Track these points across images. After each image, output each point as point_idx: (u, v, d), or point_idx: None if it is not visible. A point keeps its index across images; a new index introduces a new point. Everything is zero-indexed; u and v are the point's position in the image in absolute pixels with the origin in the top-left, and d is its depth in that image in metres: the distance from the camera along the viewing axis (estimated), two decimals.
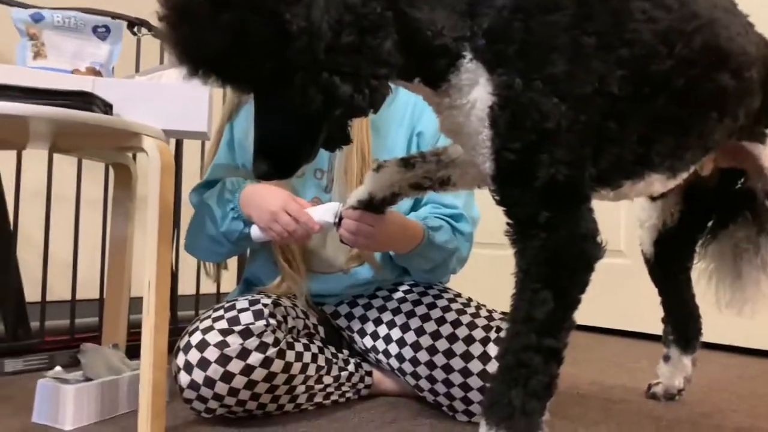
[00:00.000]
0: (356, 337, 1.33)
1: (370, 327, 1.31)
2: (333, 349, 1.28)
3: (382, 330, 1.28)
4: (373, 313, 1.32)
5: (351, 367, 1.28)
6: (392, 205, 1.10)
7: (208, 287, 1.83)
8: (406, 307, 1.28)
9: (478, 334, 1.18)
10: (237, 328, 1.08)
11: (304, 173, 1.31)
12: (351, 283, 1.32)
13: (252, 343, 1.07)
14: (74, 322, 1.66)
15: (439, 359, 1.17)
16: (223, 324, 1.08)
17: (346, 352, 1.32)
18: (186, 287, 1.86)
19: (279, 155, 0.81)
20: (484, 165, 0.84)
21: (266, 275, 1.33)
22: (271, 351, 1.09)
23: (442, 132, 0.93)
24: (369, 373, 1.31)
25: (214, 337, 1.06)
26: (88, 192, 1.73)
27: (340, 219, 1.10)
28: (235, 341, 1.06)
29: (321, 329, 1.32)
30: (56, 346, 1.60)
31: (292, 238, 1.14)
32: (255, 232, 1.17)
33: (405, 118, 1.36)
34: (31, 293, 1.64)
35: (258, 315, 1.11)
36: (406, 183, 1.05)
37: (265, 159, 0.80)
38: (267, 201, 1.14)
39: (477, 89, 0.81)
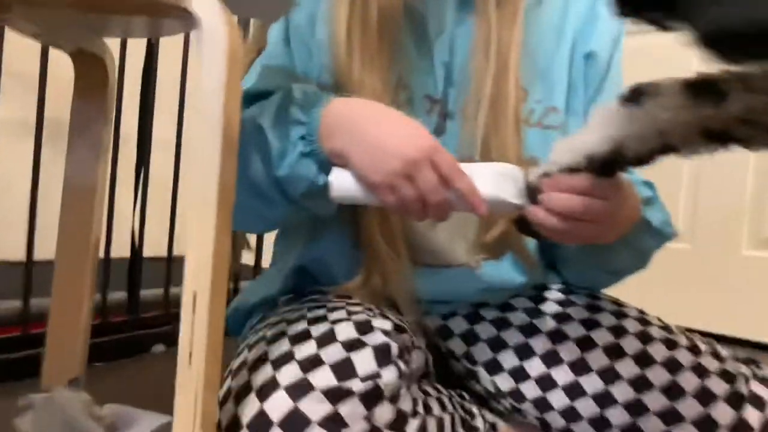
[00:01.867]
0: (481, 372, 0.83)
1: (509, 358, 0.81)
2: (451, 394, 0.79)
3: (535, 366, 0.79)
4: (512, 336, 0.82)
5: (478, 423, 0.79)
6: (638, 167, 0.61)
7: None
8: (574, 329, 0.79)
9: (689, 380, 0.72)
10: (355, 386, 0.56)
11: (411, 96, 0.80)
12: (476, 286, 0.83)
13: (384, 414, 0.56)
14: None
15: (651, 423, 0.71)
16: (325, 377, 0.56)
17: (460, 393, 0.84)
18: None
19: None
20: None
21: (338, 264, 0.81)
22: (413, 426, 0.58)
23: None
24: (493, 427, 0.83)
25: (314, 406, 0.54)
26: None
27: (534, 195, 0.61)
28: (354, 415, 0.55)
29: (429, 358, 0.82)
30: None
31: (422, 212, 0.64)
32: (345, 183, 0.64)
33: (564, 30, 0.86)
34: None
35: (382, 356, 0.59)
36: (695, 127, 0.56)
37: None
38: (396, 135, 0.62)
39: None
